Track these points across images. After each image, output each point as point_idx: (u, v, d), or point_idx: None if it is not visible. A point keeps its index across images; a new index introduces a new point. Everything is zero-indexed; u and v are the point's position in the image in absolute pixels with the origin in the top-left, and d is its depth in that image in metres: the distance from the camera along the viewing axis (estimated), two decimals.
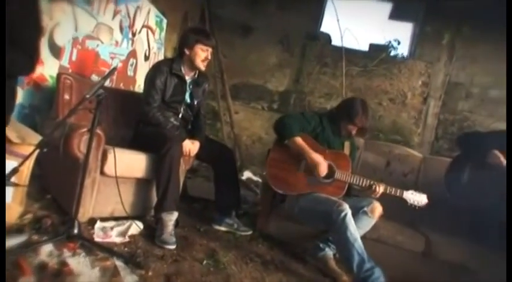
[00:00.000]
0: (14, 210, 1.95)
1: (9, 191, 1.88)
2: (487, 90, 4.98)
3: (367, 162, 3.26)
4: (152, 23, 4.08)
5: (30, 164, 1.93)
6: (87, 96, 1.77)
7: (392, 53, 5.22)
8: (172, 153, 2.33)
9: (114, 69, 2.10)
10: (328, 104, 5.16)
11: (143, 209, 2.52)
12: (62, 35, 2.76)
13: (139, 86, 3.90)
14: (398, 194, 2.43)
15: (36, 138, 1.93)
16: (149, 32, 4.06)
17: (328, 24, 5.41)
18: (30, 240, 1.87)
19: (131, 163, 2.38)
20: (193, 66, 2.68)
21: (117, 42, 3.49)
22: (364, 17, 5.24)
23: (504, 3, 3.56)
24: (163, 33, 4.39)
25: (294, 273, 2.39)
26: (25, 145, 1.84)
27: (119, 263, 1.87)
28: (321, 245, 2.52)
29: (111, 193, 2.30)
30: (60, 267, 1.70)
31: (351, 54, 5.18)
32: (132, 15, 3.65)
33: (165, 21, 4.35)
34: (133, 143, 2.60)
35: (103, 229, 2.20)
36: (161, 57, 4.39)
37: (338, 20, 5.12)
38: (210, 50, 2.66)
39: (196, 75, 2.76)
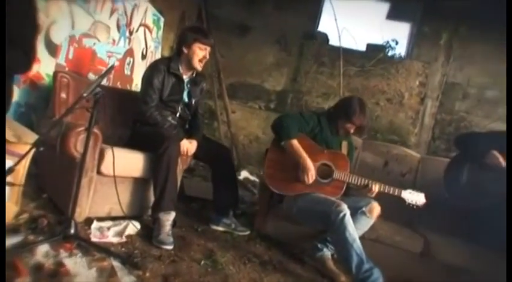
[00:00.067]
0: (9, 210, 1.93)
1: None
2: (483, 90, 4.99)
3: (365, 162, 3.25)
4: (149, 21, 4.06)
5: (26, 163, 1.90)
6: (85, 94, 1.75)
7: (390, 53, 5.22)
8: (170, 152, 2.31)
9: (112, 67, 2.08)
10: (325, 103, 5.16)
11: (140, 209, 2.50)
12: (59, 32, 2.73)
13: (136, 85, 3.88)
14: (396, 193, 2.43)
15: (33, 137, 1.90)
16: (146, 30, 4.04)
17: (326, 24, 5.41)
18: (26, 240, 1.84)
19: (128, 162, 2.36)
20: (190, 66, 2.66)
21: (114, 40, 3.47)
22: (361, 16, 5.23)
23: (502, 4, 3.55)
24: (160, 32, 4.37)
25: (292, 273, 2.38)
26: (21, 144, 1.81)
27: (116, 264, 1.85)
28: (319, 246, 2.51)
29: (107, 193, 2.27)
30: (56, 267, 1.68)
31: (348, 54, 5.18)
32: (129, 14, 3.63)
33: (162, 19, 4.33)
34: (130, 142, 2.58)
35: (100, 229, 2.17)
36: (158, 56, 4.37)
37: (336, 20, 5.12)
38: (208, 48, 2.64)
39: (194, 74, 2.74)
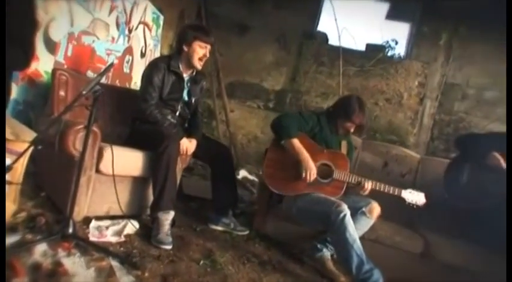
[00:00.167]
0: (7, 208, 1.90)
1: None
2: (482, 91, 4.99)
3: (364, 163, 3.25)
4: (149, 19, 4.04)
5: (24, 161, 1.88)
6: (84, 92, 1.74)
7: (390, 53, 5.21)
8: (169, 151, 2.29)
9: (112, 65, 2.07)
10: (324, 103, 5.14)
11: (139, 208, 2.48)
12: (58, 30, 2.71)
13: (135, 84, 3.86)
14: (396, 193, 2.43)
15: (31, 135, 1.88)
16: (146, 28, 4.01)
17: (325, 24, 5.39)
18: (24, 239, 1.83)
19: (127, 161, 2.34)
20: (190, 64, 2.64)
21: (113, 38, 3.44)
22: (361, 16, 5.22)
23: (502, 4, 3.55)
24: (159, 30, 4.35)
25: (292, 274, 2.37)
26: (19, 142, 1.79)
27: (114, 263, 1.83)
28: (319, 246, 2.51)
29: (106, 192, 2.26)
30: (54, 267, 1.66)
31: (348, 54, 5.16)
32: (128, 11, 3.61)
33: (161, 17, 4.31)
34: (129, 141, 2.56)
35: (98, 228, 2.16)
36: (157, 54, 4.35)
37: (336, 20, 5.10)
38: (208, 47, 2.62)
39: (194, 73, 2.73)
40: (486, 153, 2.67)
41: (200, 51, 2.58)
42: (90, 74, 3.11)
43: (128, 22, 3.64)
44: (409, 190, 2.43)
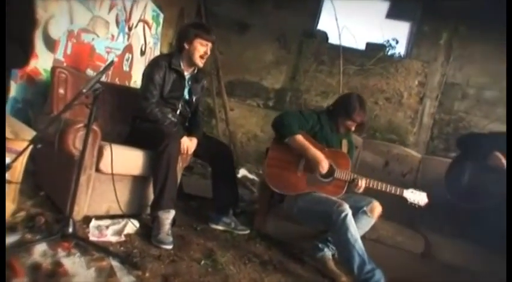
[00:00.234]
0: (6, 208, 1.89)
1: None
2: (482, 91, 4.99)
3: (365, 162, 3.23)
4: (149, 17, 4.02)
5: (23, 160, 1.86)
6: (84, 90, 1.72)
7: (390, 52, 5.20)
8: (170, 150, 2.27)
9: (112, 63, 2.04)
10: (324, 102, 5.13)
11: (139, 207, 2.47)
12: (57, 27, 2.68)
13: (135, 82, 3.84)
14: (398, 193, 2.42)
15: (30, 133, 1.86)
16: (145, 26, 3.99)
17: (326, 23, 5.38)
18: (23, 239, 1.81)
19: (128, 160, 2.32)
20: (191, 62, 2.62)
21: (113, 36, 3.42)
22: (361, 15, 5.21)
23: (502, 4, 3.54)
24: (159, 28, 4.33)
25: (293, 273, 2.36)
26: (18, 140, 1.77)
27: (115, 263, 1.81)
28: (320, 246, 2.49)
29: (106, 191, 2.24)
30: (54, 267, 1.64)
31: (348, 53, 5.16)
32: (128, 9, 3.58)
33: (161, 15, 4.29)
34: (129, 139, 2.54)
35: (98, 228, 2.13)
36: (157, 52, 4.33)
37: (336, 19, 5.09)
38: (209, 45, 2.61)
39: (195, 71, 2.71)
40: (487, 153, 2.67)
41: (201, 48, 2.57)
42: (89, 72, 3.09)
43: (128, 20, 3.62)
44: (410, 190, 2.42)
